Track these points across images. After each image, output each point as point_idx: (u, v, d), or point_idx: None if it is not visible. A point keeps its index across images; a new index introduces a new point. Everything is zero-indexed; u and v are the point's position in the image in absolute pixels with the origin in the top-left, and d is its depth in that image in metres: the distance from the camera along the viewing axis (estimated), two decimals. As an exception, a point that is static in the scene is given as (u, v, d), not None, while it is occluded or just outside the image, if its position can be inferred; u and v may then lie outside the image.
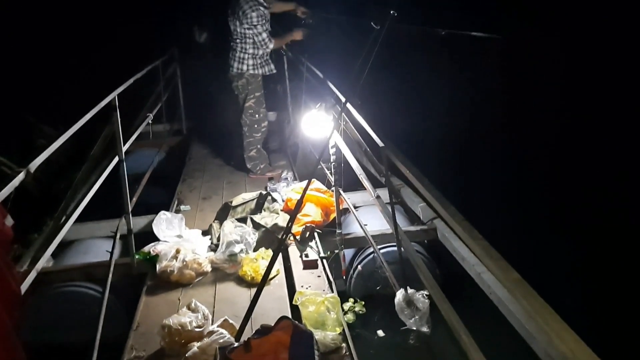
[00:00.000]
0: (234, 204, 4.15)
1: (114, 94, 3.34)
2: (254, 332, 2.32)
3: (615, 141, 6.19)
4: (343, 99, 3.15)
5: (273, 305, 2.93)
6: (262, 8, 4.51)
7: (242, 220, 3.84)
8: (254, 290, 3.02)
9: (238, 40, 4.66)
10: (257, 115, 4.88)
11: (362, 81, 2.96)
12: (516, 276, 1.59)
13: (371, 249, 3.43)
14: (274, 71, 4.92)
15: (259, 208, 4.08)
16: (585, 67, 7.38)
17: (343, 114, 3.16)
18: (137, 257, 3.41)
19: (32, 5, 8.73)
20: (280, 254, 3.41)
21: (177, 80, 6.97)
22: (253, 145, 4.98)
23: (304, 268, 3.34)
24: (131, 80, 4.04)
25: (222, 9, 4.93)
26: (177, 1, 8.34)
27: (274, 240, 3.60)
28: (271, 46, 4.71)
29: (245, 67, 4.71)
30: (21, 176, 2.35)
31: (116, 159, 3.36)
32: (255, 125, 4.91)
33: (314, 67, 4.71)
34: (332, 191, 3.50)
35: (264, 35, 4.59)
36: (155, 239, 3.63)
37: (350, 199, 3.53)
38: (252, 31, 4.56)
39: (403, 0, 2.71)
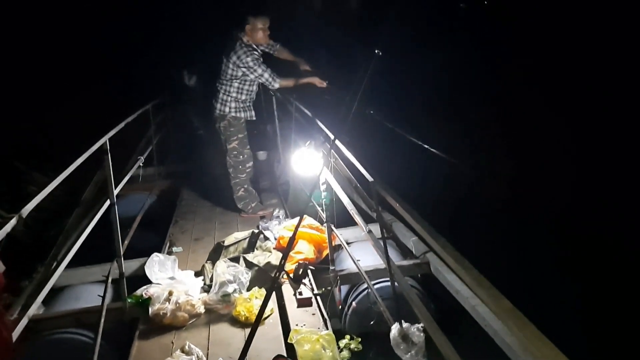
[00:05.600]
0: (226, 243, 4.15)
1: (105, 138, 3.38)
2: (249, 373, 2.30)
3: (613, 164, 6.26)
4: (332, 137, 3.19)
5: (268, 345, 2.89)
6: (256, 53, 4.56)
7: (235, 259, 3.83)
8: (248, 330, 2.99)
9: (225, 82, 4.67)
10: (241, 157, 4.91)
11: (350, 118, 3.02)
12: (508, 305, 1.59)
13: (365, 285, 3.42)
14: (254, 118, 4.91)
15: (251, 247, 4.08)
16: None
17: (332, 150, 3.20)
18: (129, 301, 3.36)
19: (22, 46, 8.84)
20: (274, 293, 3.39)
21: (167, 123, 7.04)
22: (240, 186, 5.01)
23: (298, 306, 3.31)
24: (122, 124, 4.08)
25: (212, 53, 5.00)
26: (168, 45, 8.52)
27: (267, 279, 3.58)
28: (276, 85, 4.64)
29: (227, 109, 4.73)
30: (12, 222, 2.35)
31: (107, 203, 3.36)
32: (240, 167, 4.94)
33: (302, 106, 4.76)
34: (324, 227, 3.51)
35: (266, 75, 4.56)
36: (147, 281, 3.60)
37: (342, 234, 3.54)
38: (253, 75, 4.56)
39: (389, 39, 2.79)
